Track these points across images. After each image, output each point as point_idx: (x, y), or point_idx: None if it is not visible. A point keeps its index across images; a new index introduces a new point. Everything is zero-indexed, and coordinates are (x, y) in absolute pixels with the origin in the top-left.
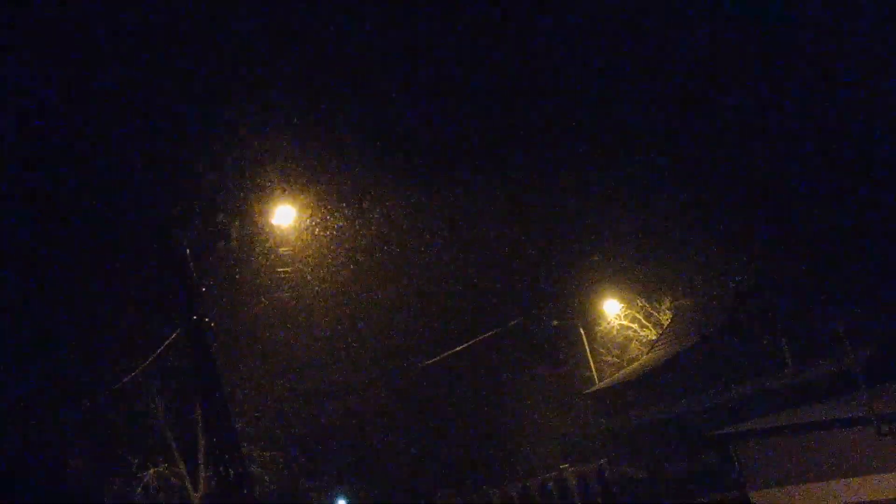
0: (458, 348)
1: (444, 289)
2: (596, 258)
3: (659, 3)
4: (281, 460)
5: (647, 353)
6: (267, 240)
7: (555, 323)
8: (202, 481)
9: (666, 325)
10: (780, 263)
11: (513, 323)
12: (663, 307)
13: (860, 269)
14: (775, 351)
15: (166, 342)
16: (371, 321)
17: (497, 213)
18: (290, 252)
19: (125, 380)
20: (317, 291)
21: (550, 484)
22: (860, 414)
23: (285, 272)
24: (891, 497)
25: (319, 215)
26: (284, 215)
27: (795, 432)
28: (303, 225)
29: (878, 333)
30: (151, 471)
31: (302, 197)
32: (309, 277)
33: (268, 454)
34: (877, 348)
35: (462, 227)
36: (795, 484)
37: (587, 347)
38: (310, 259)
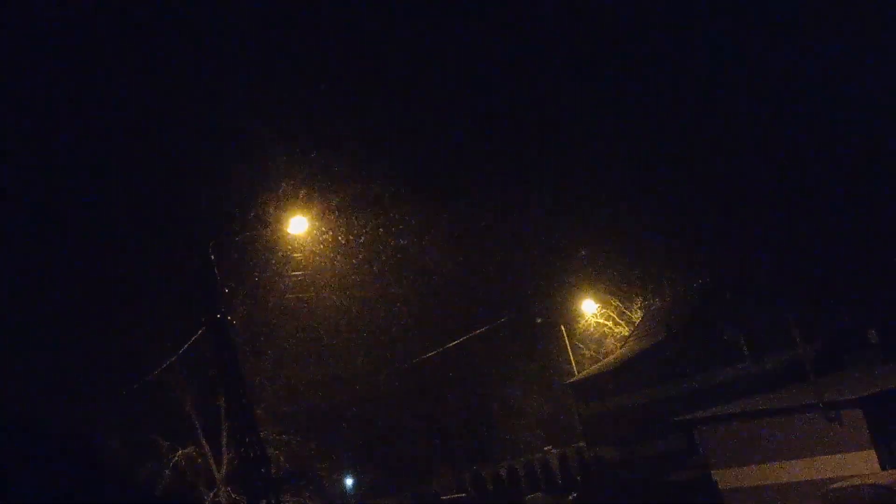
0: (454, 342)
1: (442, 290)
2: (576, 261)
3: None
4: (295, 442)
5: (621, 348)
6: (284, 246)
7: (539, 320)
8: (225, 462)
9: (637, 322)
10: (739, 264)
11: (502, 319)
12: (635, 306)
13: (811, 268)
14: (735, 344)
15: (193, 338)
16: (375, 319)
17: (493, 224)
18: (303, 257)
19: (156, 371)
20: (326, 292)
21: (535, 464)
22: (810, 401)
23: (299, 275)
24: (836, 475)
25: (331, 225)
26: (299, 225)
27: (752, 417)
28: (315, 232)
29: (827, 327)
30: (179, 453)
31: (315, 206)
32: (319, 280)
33: (283, 437)
34: (825, 341)
35: (461, 237)
36: (753, 464)
37: (567, 342)
38: (320, 263)
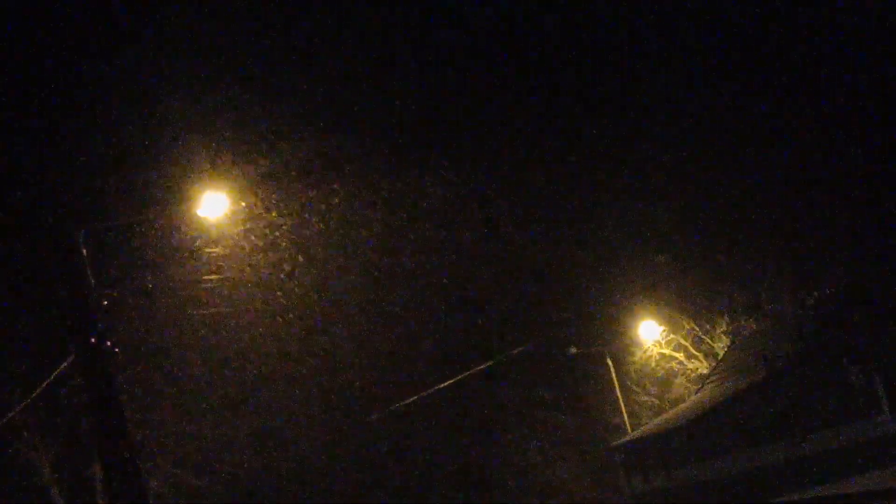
0: (445, 383)
1: (429, 304)
2: (636, 266)
3: None
4: None
5: (697, 392)
6: (190, 237)
7: (573, 350)
8: None
9: (721, 356)
10: (873, 275)
11: (518, 350)
12: (718, 331)
13: None
14: (866, 391)
15: (55, 372)
16: (329, 345)
17: (504, 211)
18: (222, 254)
19: None
20: (255, 306)
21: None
22: None
23: (214, 280)
24: None
25: (261, 204)
26: (214, 205)
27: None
28: (239, 217)
29: None
30: None
31: (239, 180)
32: (246, 289)
33: None
34: None
35: (456, 228)
36: None
37: (616, 384)
38: (248, 264)
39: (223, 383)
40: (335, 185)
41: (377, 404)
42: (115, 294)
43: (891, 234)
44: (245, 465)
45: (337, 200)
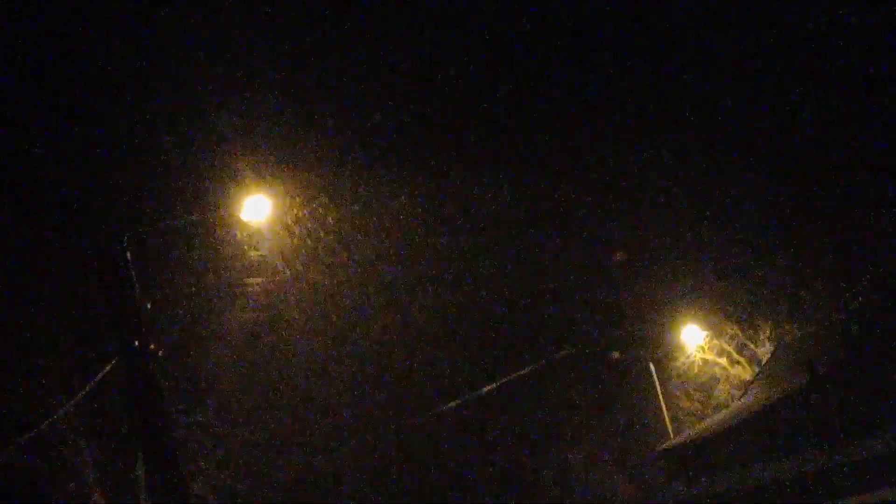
0: (484, 389)
1: (468, 308)
2: (674, 271)
3: None
4: None
5: (741, 398)
6: (234, 241)
7: (616, 355)
8: None
9: (765, 361)
10: None
11: (562, 354)
12: (762, 337)
13: None
14: None
15: (99, 375)
16: (366, 350)
17: (542, 212)
18: (264, 257)
19: (43, 424)
20: (296, 309)
21: None
22: None
23: (255, 284)
24: None
25: (303, 208)
26: (256, 209)
27: None
28: (281, 222)
29: None
30: None
31: (281, 186)
32: (288, 292)
33: None
34: None
35: (495, 230)
36: None
37: (659, 389)
38: (290, 267)
39: (267, 385)
40: (372, 194)
41: (419, 407)
42: (158, 297)
43: None
44: (286, 469)
45: (375, 207)
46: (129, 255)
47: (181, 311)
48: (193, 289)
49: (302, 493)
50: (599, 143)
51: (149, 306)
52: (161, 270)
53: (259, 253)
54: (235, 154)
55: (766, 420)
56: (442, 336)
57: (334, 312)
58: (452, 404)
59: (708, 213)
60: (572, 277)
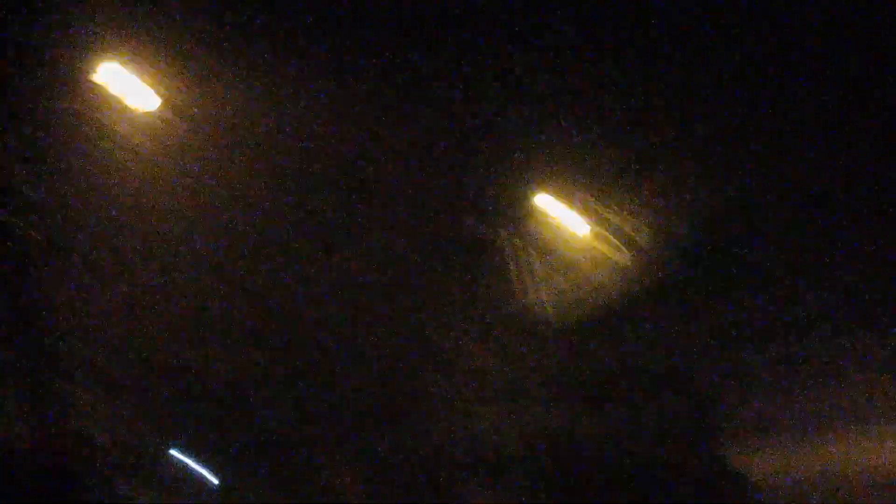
0: (341, 256)
1: (325, 173)
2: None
3: None
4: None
5: (612, 283)
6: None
7: (482, 227)
8: None
9: (642, 246)
10: (797, 180)
11: (421, 224)
12: (641, 222)
13: None
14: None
15: None
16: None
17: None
18: (146, 143)
19: None
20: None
21: (472, 437)
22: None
23: (132, 175)
24: None
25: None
26: (127, 84)
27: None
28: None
29: None
30: None
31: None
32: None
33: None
34: None
35: (353, 88)
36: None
37: (521, 265)
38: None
39: (131, 281)
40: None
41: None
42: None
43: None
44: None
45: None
46: None
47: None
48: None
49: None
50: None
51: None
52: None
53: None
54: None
55: (643, 296)
56: (302, 204)
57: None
58: (314, 270)
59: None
60: (436, 144)
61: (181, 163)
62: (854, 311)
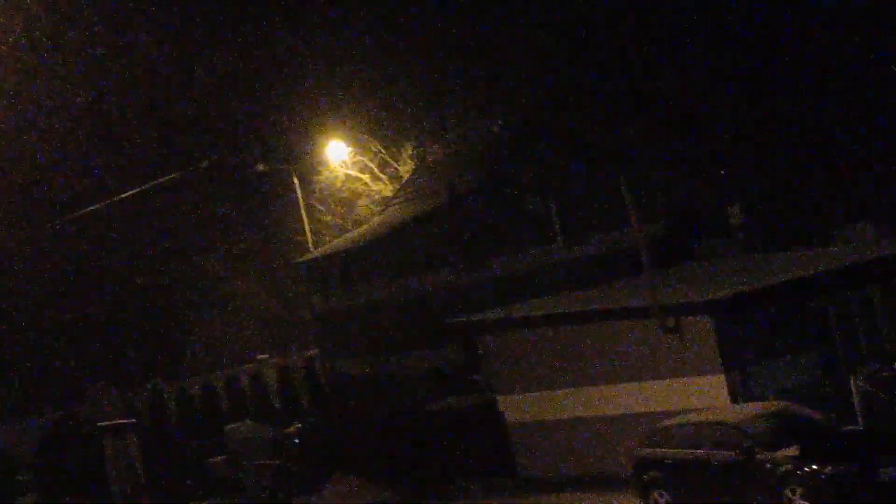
0: (124, 195)
1: (108, 107)
2: (320, 85)
3: None
4: None
5: (380, 214)
6: None
7: (260, 167)
8: None
9: (406, 178)
10: (555, 105)
11: (203, 166)
12: (405, 155)
13: (655, 117)
14: (543, 218)
15: None
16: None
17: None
18: None
19: None
20: None
21: (243, 379)
22: (640, 303)
23: None
24: (669, 409)
25: None
26: None
27: (559, 323)
28: None
29: (673, 201)
30: None
31: None
32: None
33: None
34: (669, 220)
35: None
36: (556, 389)
37: (302, 202)
38: None
39: None
40: None
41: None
42: None
43: (576, 66)
44: None
45: None
46: None
47: None
48: None
49: None
50: None
51: None
52: None
53: None
54: None
55: (406, 236)
56: (83, 136)
57: None
58: (90, 208)
59: (361, 28)
60: (215, 90)
61: None
62: None
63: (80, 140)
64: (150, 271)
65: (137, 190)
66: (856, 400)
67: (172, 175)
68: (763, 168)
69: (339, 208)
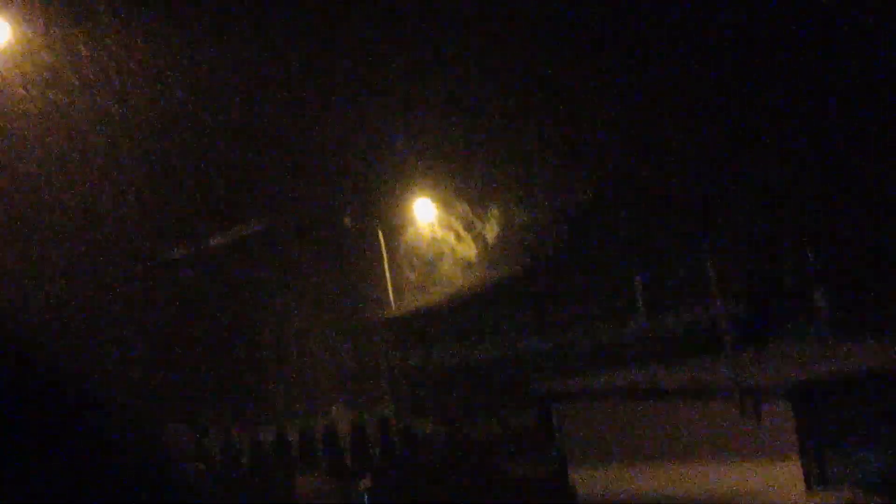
0: (211, 243)
1: (193, 159)
2: (411, 144)
3: None
4: None
5: (463, 276)
6: None
7: (347, 222)
8: None
9: (492, 242)
10: (642, 178)
11: (292, 215)
12: (490, 217)
13: (744, 196)
14: (624, 290)
15: None
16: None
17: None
18: None
19: None
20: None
21: (317, 431)
22: (720, 382)
23: None
24: (743, 491)
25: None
26: None
27: (635, 397)
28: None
29: (757, 281)
30: None
31: None
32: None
33: None
34: (753, 300)
35: (233, 72)
36: (628, 464)
37: (385, 258)
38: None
39: None
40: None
41: (146, 258)
42: None
43: (663, 140)
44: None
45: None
46: None
47: None
48: None
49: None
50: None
51: None
52: None
53: None
54: None
55: (485, 300)
56: (179, 186)
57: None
58: (183, 253)
59: (452, 85)
60: (303, 142)
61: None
62: None
63: (172, 186)
64: (234, 318)
65: (228, 238)
66: None
67: (258, 226)
68: (851, 254)
69: (422, 267)
